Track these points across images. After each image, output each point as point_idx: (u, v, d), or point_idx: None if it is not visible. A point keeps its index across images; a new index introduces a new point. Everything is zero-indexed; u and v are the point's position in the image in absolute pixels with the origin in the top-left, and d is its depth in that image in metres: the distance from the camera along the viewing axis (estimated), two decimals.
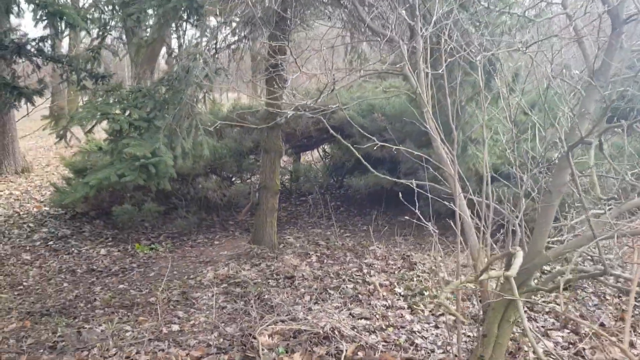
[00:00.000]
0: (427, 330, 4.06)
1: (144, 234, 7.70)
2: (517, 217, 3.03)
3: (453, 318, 3.61)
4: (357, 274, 5.48)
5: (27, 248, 7.04)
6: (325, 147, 9.84)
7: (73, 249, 7.11)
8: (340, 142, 8.27)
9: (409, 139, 7.46)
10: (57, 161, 12.88)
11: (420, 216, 3.33)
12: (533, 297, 4.51)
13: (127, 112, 4.28)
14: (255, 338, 3.87)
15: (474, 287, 3.76)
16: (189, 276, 5.73)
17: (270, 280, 5.33)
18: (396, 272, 5.52)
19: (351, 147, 3.82)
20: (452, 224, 3.21)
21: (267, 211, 6.49)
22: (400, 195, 3.84)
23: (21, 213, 8.78)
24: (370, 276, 5.37)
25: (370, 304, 4.64)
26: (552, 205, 2.94)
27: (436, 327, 4.14)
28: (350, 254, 6.20)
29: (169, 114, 4.24)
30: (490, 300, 3.14)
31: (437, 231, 3.30)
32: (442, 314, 4.36)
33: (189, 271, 5.94)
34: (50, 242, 7.43)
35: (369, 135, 4.05)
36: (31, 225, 8.09)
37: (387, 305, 4.59)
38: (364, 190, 7.57)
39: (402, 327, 4.08)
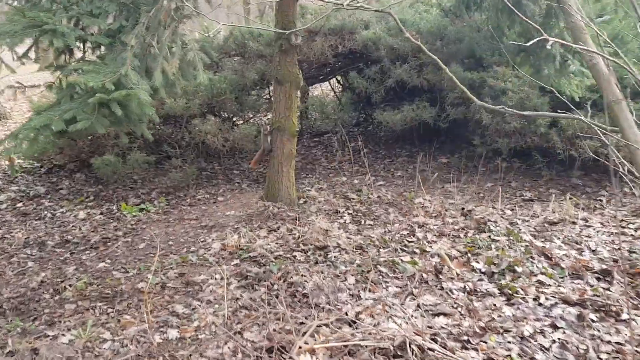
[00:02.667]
0: (543, 333, 2.77)
1: (132, 190, 6.35)
2: None
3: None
4: (410, 239, 4.17)
5: None
6: (342, 77, 8.32)
7: (46, 213, 5.79)
8: (365, 69, 6.79)
9: (454, 61, 5.97)
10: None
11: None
12: None
13: (78, 23, 2.82)
14: None
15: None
16: (189, 248, 4.42)
17: (296, 253, 4.01)
18: (461, 235, 4.20)
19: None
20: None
21: (282, 159, 5.11)
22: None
23: None
24: (429, 243, 4.05)
25: (442, 288, 3.34)
26: None
27: (554, 326, 2.84)
28: (392, 210, 4.87)
29: (142, 22, 2.77)
30: None
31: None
32: (557, 301, 3.07)
33: (188, 240, 4.63)
34: (20, 204, 6.10)
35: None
36: None
37: (468, 289, 3.29)
38: (400, 127, 6.15)
39: (507, 331, 2.78)
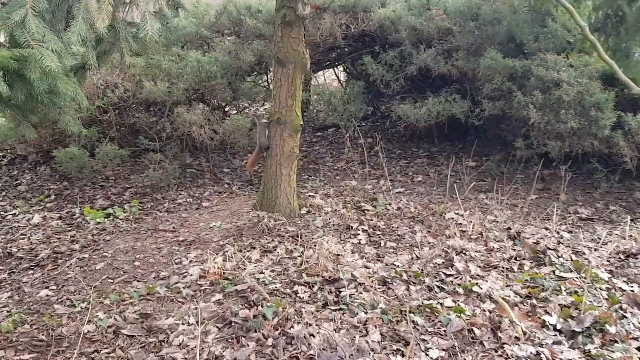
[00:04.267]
0: None
1: (101, 189, 5.34)
2: None
3: None
4: (448, 271, 3.18)
5: None
6: (351, 62, 7.29)
7: None
8: (382, 54, 5.77)
9: (491, 46, 4.97)
10: None
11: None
12: None
13: None
14: None
15: None
16: (159, 273, 3.42)
17: (298, 288, 3.02)
18: (515, 267, 3.22)
19: None
20: None
21: (282, 159, 4.12)
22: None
23: None
24: (474, 278, 3.07)
25: (504, 354, 2.35)
26: None
27: None
28: (419, 227, 3.88)
29: None
30: None
31: None
32: None
33: (159, 261, 3.62)
34: None
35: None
36: None
37: (540, 356, 2.31)
38: (423, 124, 5.15)
39: None
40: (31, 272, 3.64)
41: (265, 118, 4.28)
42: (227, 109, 6.39)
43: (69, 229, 4.41)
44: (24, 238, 4.25)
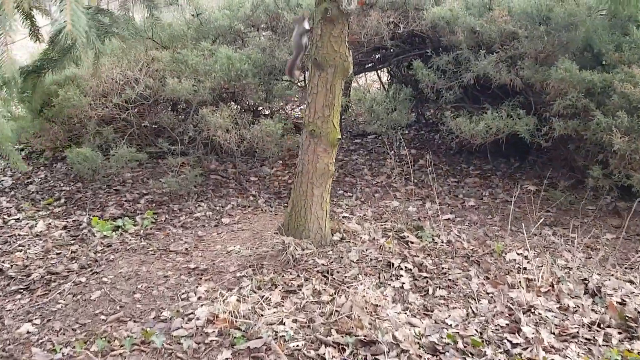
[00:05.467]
0: None
1: (116, 194, 4.85)
2: None
3: None
4: (514, 338, 2.53)
5: None
6: (395, 66, 6.63)
7: None
8: (434, 58, 5.09)
9: (564, 54, 4.27)
10: None
11: None
12: None
13: None
14: None
15: None
16: (160, 312, 2.86)
17: (325, 350, 2.42)
18: (599, 338, 2.54)
19: None
20: None
21: (314, 177, 3.52)
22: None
23: None
24: (549, 352, 2.41)
25: None
26: None
27: None
28: (474, 269, 3.23)
29: None
30: None
31: None
32: None
33: (164, 294, 3.08)
34: None
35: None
36: None
37: None
38: (482, 139, 4.47)
39: None
40: (18, 296, 3.15)
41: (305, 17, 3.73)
42: (260, 108, 5.83)
43: (72, 241, 3.92)
44: (21, 250, 3.78)
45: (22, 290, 3.22)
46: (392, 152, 5.63)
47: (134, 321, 2.78)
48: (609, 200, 4.36)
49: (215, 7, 6.01)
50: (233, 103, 5.02)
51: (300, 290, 2.97)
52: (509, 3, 4.96)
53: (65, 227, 4.21)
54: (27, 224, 4.26)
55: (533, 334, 2.54)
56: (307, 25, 3.66)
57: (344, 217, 4.20)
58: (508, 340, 2.50)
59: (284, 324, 2.62)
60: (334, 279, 3.08)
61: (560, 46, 4.39)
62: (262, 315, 2.68)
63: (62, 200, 4.75)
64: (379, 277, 3.11)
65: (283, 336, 2.51)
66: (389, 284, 3.04)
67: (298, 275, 3.13)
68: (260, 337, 2.49)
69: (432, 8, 5.14)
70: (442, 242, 3.59)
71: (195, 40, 5.43)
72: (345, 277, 3.10)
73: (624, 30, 4.31)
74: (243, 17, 5.74)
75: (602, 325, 2.64)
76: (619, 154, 3.71)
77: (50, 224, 4.25)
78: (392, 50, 5.72)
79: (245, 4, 5.90)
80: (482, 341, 2.48)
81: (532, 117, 4.36)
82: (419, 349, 2.41)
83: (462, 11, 4.96)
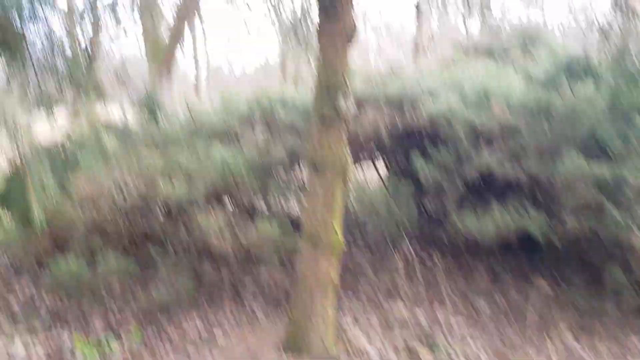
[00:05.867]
0: None
1: (102, 308, 4.51)
2: None
3: None
4: None
5: None
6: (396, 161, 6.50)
7: None
8: (433, 152, 4.94)
9: (569, 146, 4.14)
10: None
11: None
12: None
13: None
14: None
15: None
16: None
17: None
18: None
19: None
20: None
21: (315, 287, 3.25)
22: None
23: None
24: None
25: None
26: None
27: None
28: None
29: None
30: None
31: None
32: None
33: None
34: None
35: None
36: None
37: None
38: (490, 238, 4.23)
39: None
40: None
41: None
42: (255, 207, 5.62)
43: None
44: None
45: None
46: (395, 249, 5.37)
47: None
48: (631, 299, 4.06)
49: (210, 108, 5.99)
50: (228, 203, 4.82)
51: None
52: (507, 96, 4.92)
53: (47, 354, 3.84)
54: (5, 348, 3.90)
55: None
56: None
57: (347, 326, 3.86)
58: None
59: None
60: None
61: (564, 138, 4.27)
62: None
63: (47, 316, 4.41)
64: None
65: None
66: None
67: None
68: None
69: (429, 104, 5.08)
70: (459, 357, 3.25)
71: (190, 141, 5.32)
72: None
73: (630, 121, 4.20)
74: (238, 117, 5.67)
75: None
76: (639, 252, 3.46)
77: (29, 344, 3.89)
78: (389, 143, 5.62)
79: (240, 105, 5.86)
80: None
81: (542, 213, 4.14)
82: None
83: (459, 105, 4.90)
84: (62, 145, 4.91)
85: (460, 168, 4.69)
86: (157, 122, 5.44)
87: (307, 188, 3.43)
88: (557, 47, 6.67)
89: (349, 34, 3.13)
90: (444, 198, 4.79)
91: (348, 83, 3.05)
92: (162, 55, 11.11)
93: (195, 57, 18.38)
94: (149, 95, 5.39)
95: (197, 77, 16.71)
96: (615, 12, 4.69)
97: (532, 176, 4.30)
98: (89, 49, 4.67)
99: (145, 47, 12.07)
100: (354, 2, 3.29)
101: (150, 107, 5.45)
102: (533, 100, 4.67)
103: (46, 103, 3.71)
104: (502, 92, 4.97)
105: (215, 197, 4.93)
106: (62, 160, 5.24)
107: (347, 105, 3.05)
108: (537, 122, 4.45)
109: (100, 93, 5.10)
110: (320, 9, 3.02)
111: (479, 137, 4.69)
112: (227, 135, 5.55)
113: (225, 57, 24.42)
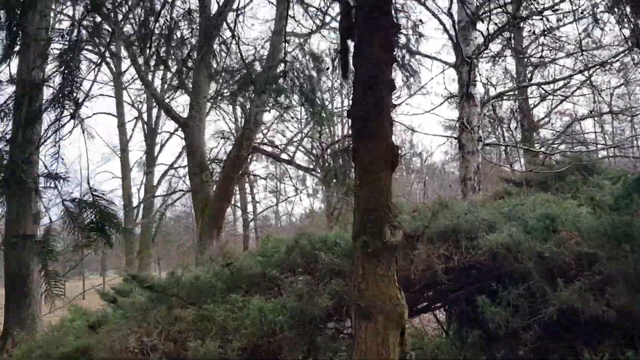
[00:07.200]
0: None
1: None
2: None
3: None
4: None
5: None
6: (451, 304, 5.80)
7: None
8: (501, 291, 4.19)
9: None
10: None
11: None
12: None
13: None
14: None
15: None
16: None
17: None
18: None
19: None
20: None
21: None
22: None
23: None
24: None
25: None
26: None
27: None
28: None
29: None
30: None
31: None
32: None
33: None
34: None
35: None
36: None
37: None
38: None
39: None
40: None
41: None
42: None
43: None
44: None
45: None
46: None
47: None
48: None
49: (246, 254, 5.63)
50: None
51: None
52: (575, 222, 4.37)
53: None
54: None
55: None
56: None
57: None
58: None
59: None
60: None
61: None
62: None
63: None
64: None
65: None
66: None
67: None
68: None
69: (487, 235, 4.55)
70: None
71: (225, 293, 4.88)
72: None
73: None
74: (277, 262, 5.25)
75: None
76: None
77: None
78: (446, 285, 5.00)
79: (280, 248, 5.48)
80: None
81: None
82: None
83: (522, 236, 4.35)
84: None
85: (534, 308, 4.01)
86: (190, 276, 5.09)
87: (355, 340, 2.85)
88: (613, 172, 6.26)
89: (388, 158, 2.78)
90: (518, 344, 4.04)
91: (392, 208, 2.62)
92: (209, 212, 11.22)
93: (242, 211, 18.69)
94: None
95: (245, 229, 16.80)
96: None
97: (622, 310, 3.58)
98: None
99: (194, 203, 12.30)
100: (392, 127, 3.00)
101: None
102: (608, 225, 4.10)
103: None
104: (569, 220, 4.44)
105: (253, 355, 4.34)
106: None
107: (392, 234, 2.59)
108: (617, 247, 3.84)
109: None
110: (352, 130, 2.71)
111: (551, 269, 4.07)
112: (265, 284, 5.10)
113: (272, 208, 24.81)
